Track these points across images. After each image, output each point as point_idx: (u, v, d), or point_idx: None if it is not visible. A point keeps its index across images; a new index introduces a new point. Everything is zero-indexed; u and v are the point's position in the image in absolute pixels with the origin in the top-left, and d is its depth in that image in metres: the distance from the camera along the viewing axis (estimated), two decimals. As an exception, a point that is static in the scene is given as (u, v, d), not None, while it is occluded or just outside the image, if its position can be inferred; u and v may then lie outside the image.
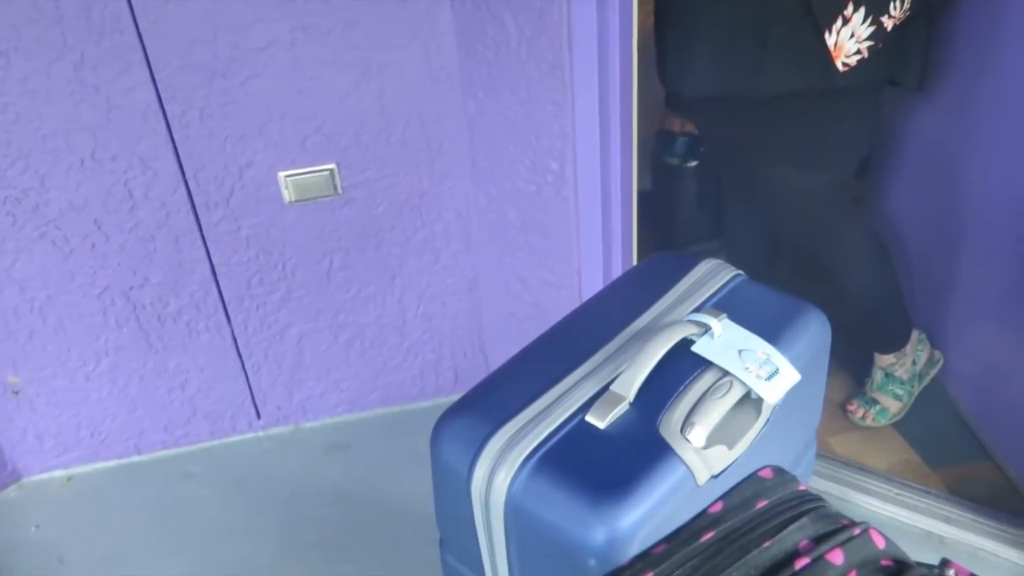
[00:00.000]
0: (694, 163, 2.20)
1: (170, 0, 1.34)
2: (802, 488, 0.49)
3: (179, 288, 1.60)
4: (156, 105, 1.42)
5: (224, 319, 1.66)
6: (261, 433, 1.82)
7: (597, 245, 1.54)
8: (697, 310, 0.96)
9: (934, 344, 1.78)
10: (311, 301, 1.68)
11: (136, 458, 1.77)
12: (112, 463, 1.77)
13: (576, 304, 1.05)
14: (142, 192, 1.49)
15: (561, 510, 0.77)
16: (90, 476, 1.75)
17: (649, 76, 1.53)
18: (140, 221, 1.52)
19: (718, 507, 0.47)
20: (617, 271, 1.57)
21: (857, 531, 0.45)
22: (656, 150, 2.25)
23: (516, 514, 0.80)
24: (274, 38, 1.40)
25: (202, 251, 1.57)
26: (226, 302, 1.64)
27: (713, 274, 1.02)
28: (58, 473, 1.75)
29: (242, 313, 1.66)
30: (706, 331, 0.89)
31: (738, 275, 1.03)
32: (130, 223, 1.51)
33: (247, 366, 1.72)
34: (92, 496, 1.71)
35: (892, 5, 1.31)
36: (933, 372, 1.77)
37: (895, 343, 1.70)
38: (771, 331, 0.91)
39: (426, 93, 1.51)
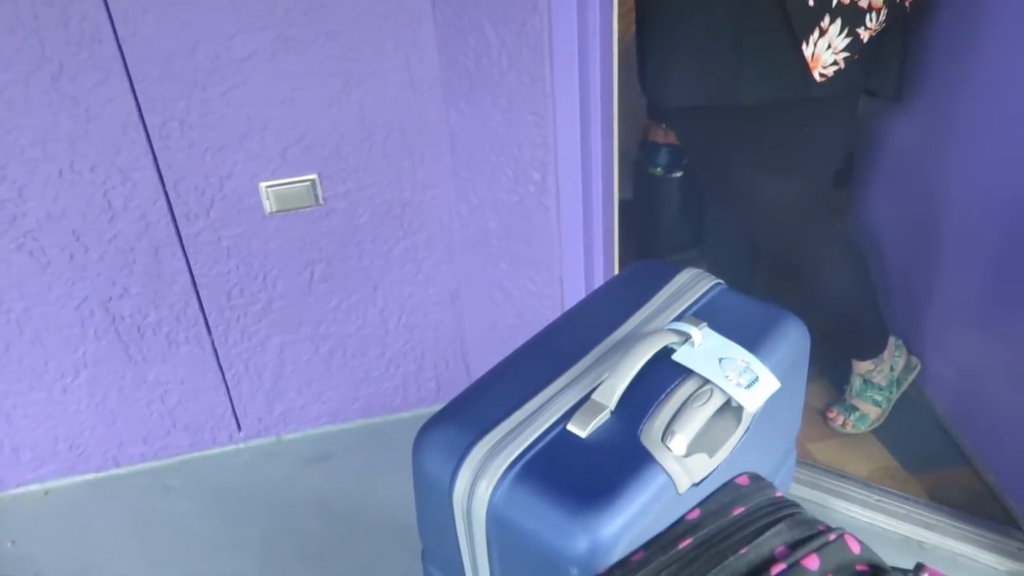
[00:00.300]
0: (678, 174, 2.21)
1: (150, 11, 1.33)
2: (778, 494, 0.49)
3: (159, 299, 1.59)
4: (136, 116, 1.41)
5: (204, 330, 1.65)
6: (242, 445, 1.81)
7: (579, 255, 1.54)
8: (678, 319, 0.96)
9: (912, 350, 1.80)
10: (292, 312, 1.67)
11: (115, 471, 1.76)
12: (90, 476, 1.75)
13: (558, 314, 1.05)
14: (121, 203, 1.48)
15: (543, 519, 0.77)
16: (68, 490, 1.73)
17: (633, 86, 1.55)
18: (119, 232, 1.51)
19: (696, 514, 0.48)
20: (599, 280, 1.58)
21: (832, 536, 0.46)
22: (640, 160, 2.27)
23: (498, 524, 0.80)
24: (255, 49, 1.40)
25: (182, 262, 1.56)
26: (206, 313, 1.63)
27: (693, 283, 1.03)
28: (35, 487, 1.73)
29: (223, 324, 1.65)
30: (687, 340, 0.89)
31: (718, 284, 1.04)
32: (109, 234, 1.50)
33: (228, 377, 1.71)
34: (70, 510, 1.69)
35: (868, 17, 1.33)
36: (911, 377, 1.79)
37: (872, 349, 1.72)
38: (751, 339, 0.91)
39: (408, 103, 1.51)
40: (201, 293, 1.61)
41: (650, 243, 2.32)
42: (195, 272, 1.58)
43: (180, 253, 1.55)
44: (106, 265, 1.53)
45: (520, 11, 1.33)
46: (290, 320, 1.68)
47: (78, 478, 1.74)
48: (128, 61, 1.37)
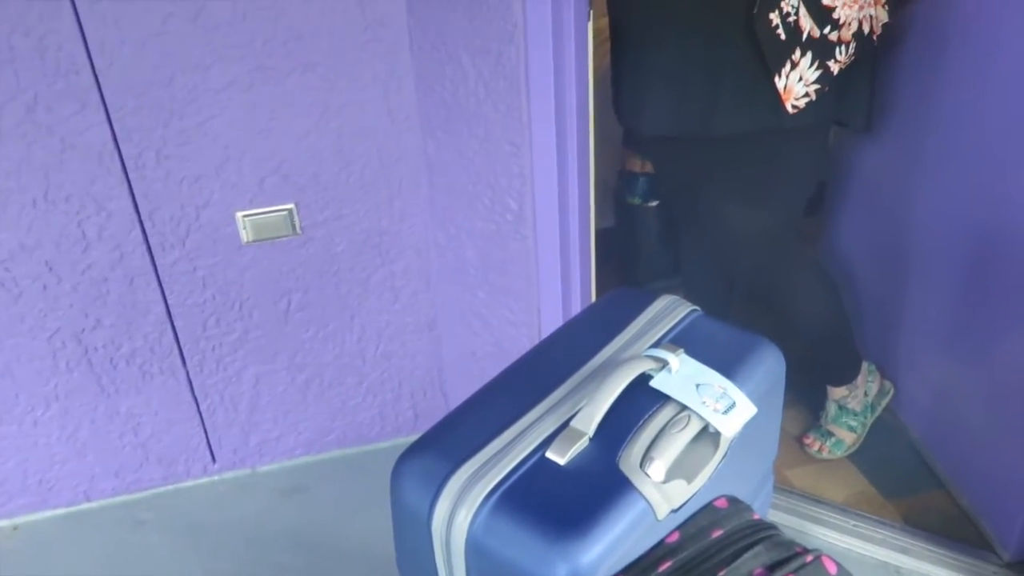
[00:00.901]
0: (655, 203, 2.24)
1: (127, 42, 1.34)
2: (756, 517, 0.49)
3: (133, 330, 1.57)
4: (111, 145, 1.41)
5: (179, 361, 1.63)
6: (216, 477, 1.78)
7: (556, 283, 1.55)
8: (655, 345, 0.97)
9: (885, 375, 1.82)
10: (268, 342, 1.66)
11: (86, 505, 1.72)
12: (61, 511, 1.71)
13: (536, 342, 1.06)
14: (96, 233, 1.47)
15: (522, 548, 0.77)
16: (37, 525, 1.69)
17: (611, 117, 1.57)
18: (93, 262, 1.49)
19: (675, 537, 0.48)
20: (576, 308, 1.58)
21: (810, 558, 0.46)
22: (618, 189, 2.29)
23: (477, 553, 0.80)
24: (232, 79, 1.40)
25: (157, 292, 1.55)
26: (181, 344, 1.61)
27: (670, 310, 1.04)
28: (3, 523, 1.69)
29: (198, 355, 1.63)
30: (664, 366, 0.90)
31: (694, 310, 1.05)
32: (83, 264, 1.49)
33: (202, 409, 1.69)
34: (39, 546, 1.65)
35: (837, 50, 1.36)
36: (885, 402, 1.81)
37: (846, 375, 1.74)
38: (727, 365, 0.92)
39: (385, 133, 1.52)
40: (176, 323, 1.59)
41: (631, 271, 2.34)
42: (170, 302, 1.57)
43: (155, 283, 1.54)
44: (79, 296, 1.51)
45: (496, 42, 1.35)
46: (266, 350, 1.67)
47: (48, 513, 1.71)
48: (104, 91, 1.36)
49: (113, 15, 1.31)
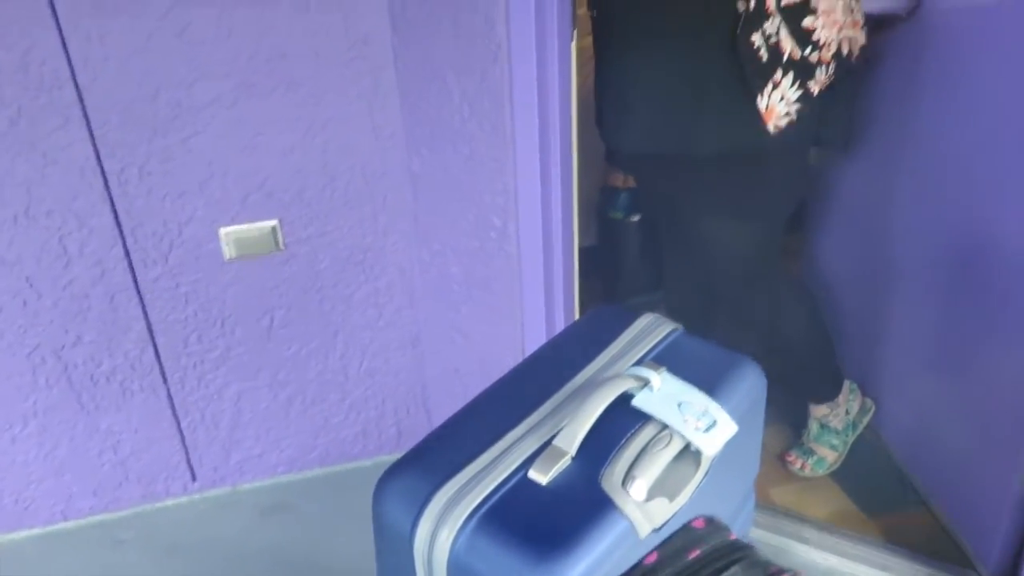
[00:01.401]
0: (636, 217, 2.26)
1: (111, 57, 1.33)
2: (732, 537, 0.50)
3: (113, 346, 1.56)
4: (94, 161, 1.40)
5: (160, 378, 1.62)
6: (196, 496, 1.77)
7: (539, 300, 1.56)
8: (636, 364, 0.97)
9: (866, 394, 1.84)
10: (251, 359, 1.65)
11: (63, 525, 1.70)
12: (37, 531, 1.69)
13: (519, 359, 1.06)
14: (77, 248, 1.46)
15: (504, 567, 0.77)
16: (13, 545, 1.67)
17: (595, 135, 1.58)
18: (75, 278, 1.48)
19: (653, 558, 0.48)
20: (560, 325, 1.59)
21: (787, 578, 0.46)
22: (600, 205, 2.31)
23: (459, 572, 0.80)
24: (217, 96, 1.40)
25: (138, 308, 1.54)
26: (162, 361, 1.60)
27: (652, 328, 1.04)
28: (-22, 542, 1.67)
29: (179, 372, 1.62)
30: (645, 384, 0.90)
31: (676, 329, 1.05)
32: (64, 280, 1.48)
33: (183, 426, 1.68)
34: (14, 566, 1.62)
35: (818, 71, 1.38)
36: (866, 420, 1.82)
37: (828, 394, 1.75)
38: (708, 384, 0.92)
39: (370, 150, 1.52)
40: (157, 340, 1.58)
41: (613, 285, 2.35)
42: (151, 319, 1.56)
43: (136, 299, 1.53)
44: (60, 312, 1.50)
45: (481, 61, 1.36)
46: (248, 367, 1.66)
47: (24, 533, 1.68)
48: (87, 107, 1.36)
49: (97, 31, 1.31)
